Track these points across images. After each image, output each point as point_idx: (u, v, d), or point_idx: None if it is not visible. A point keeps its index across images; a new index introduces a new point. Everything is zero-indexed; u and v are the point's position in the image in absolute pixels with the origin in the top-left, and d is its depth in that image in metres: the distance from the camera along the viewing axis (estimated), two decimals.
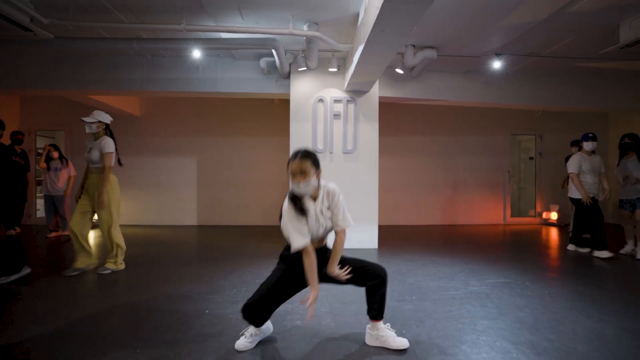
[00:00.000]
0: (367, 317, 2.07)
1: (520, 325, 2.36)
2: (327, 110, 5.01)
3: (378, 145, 5.09)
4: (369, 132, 5.05)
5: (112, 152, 3.51)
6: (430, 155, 7.42)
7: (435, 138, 7.45)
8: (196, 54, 4.66)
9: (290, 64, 4.94)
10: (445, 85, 5.62)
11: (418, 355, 1.97)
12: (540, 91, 5.85)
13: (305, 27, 4.06)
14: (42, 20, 3.59)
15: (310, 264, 1.92)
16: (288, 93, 5.17)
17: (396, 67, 5.01)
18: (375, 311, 2.03)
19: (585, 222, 4.59)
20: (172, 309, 2.61)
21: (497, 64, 4.90)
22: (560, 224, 7.16)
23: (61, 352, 1.99)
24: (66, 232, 5.61)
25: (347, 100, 5.02)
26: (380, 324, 2.05)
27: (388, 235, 5.87)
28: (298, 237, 1.90)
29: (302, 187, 1.90)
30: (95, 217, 3.59)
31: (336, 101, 4.99)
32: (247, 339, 2.03)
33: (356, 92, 5.02)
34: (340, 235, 2.05)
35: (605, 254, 4.30)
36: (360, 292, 2.09)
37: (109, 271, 3.55)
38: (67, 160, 5.73)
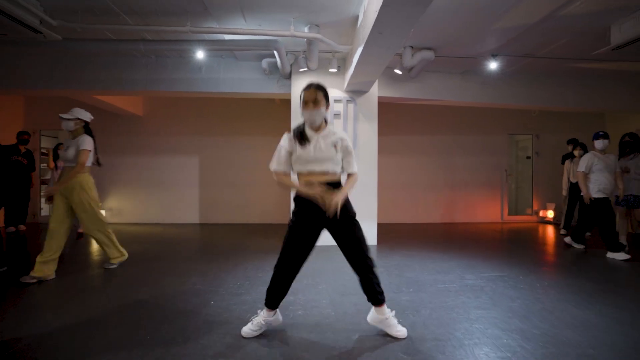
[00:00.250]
0: (371, 304, 2.18)
1: (512, 315, 2.48)
2: None
3: (377, 144, 5.20)
4: (369, 132, 5.15)
5: (89, 150, 3.29)
6: (429, 155, 7.53)
7: (434, 137, 7.56)
8: (200, 54, 4.77)
9: (291, 65, 5.05)
10: (443, 86, 5.73)
11: (413, 340, 2.09)
12: (537, 91, 5.95)
13: (306, 29, 4.18)
14: (51, 22, 3.69)
15: (289, 182, 2.19)
16: (289, 93, 5.28)
17: (395, 68, 5.12)
18: (381, 295, 2.14)
19: (593, 222, 4.47)
20: (178, 300, 2.73)
21: (493, 65, 5.00)
22: (556, 222, 7.27)
23: (79, 338, 2.11)
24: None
25: (347, 100, 5.12)
26: (387, 309, 2.16)
27: (387, 232, 5.97)
28: (275, 162, 2.18)
29: (314, 115, 2.06)
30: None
31: (336, 101, 5.09)
32: (253, 326, 2.14)
33: (356, 92, 5.12)
34: (352, 176, 2.18)
35: (622, 255, 4.11)
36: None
37: (114, 266, 3.63)
38: None
